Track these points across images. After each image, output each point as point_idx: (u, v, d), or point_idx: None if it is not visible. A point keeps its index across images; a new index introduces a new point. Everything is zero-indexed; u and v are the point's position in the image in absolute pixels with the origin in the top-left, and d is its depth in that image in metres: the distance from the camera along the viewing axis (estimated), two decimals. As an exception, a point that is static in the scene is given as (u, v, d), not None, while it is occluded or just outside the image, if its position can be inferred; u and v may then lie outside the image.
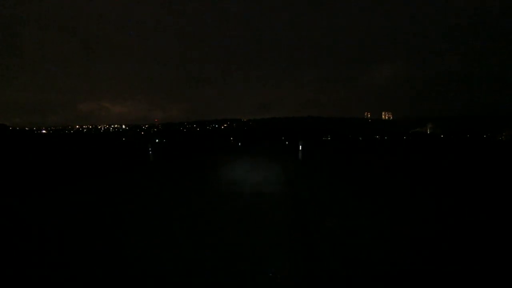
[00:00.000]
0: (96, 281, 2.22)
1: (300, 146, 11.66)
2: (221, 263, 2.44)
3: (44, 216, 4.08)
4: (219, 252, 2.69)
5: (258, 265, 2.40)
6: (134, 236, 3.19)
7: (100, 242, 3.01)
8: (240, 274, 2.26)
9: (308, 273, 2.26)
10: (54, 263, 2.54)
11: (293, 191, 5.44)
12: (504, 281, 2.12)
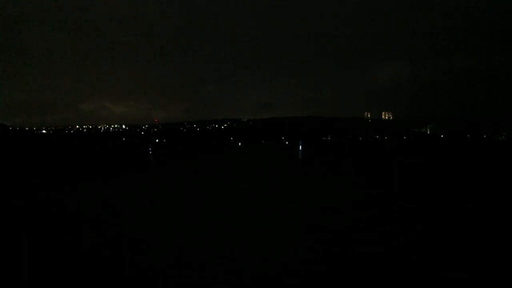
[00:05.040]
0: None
1: (300, 146, 11.66)
2: (220, 263, 2.43)
3: (45, 217, 4.08)
4: (218, 251, 2.69)
5: (259, 264, 2.40)
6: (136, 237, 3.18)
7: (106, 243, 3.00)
8: (239, 273, 2.26)
9: (309, 273, 2.26)
10: (58, 266, 2.54)
11: (293, 191, 5.45)
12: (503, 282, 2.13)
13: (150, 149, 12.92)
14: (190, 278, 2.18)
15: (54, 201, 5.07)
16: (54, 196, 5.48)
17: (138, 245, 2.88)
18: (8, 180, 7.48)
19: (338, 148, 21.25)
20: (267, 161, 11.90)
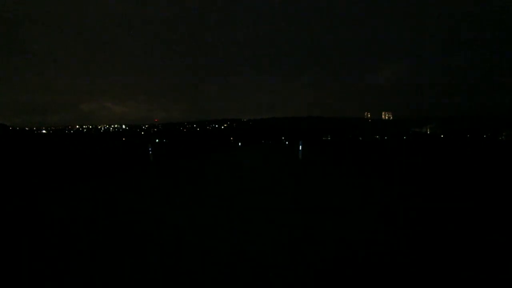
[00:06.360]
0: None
1: (300, 146, 11.67)
2: (219, 263, 2.43)
3: (45, 217, 4.08)
4: (219, 250, 2.68)
5: (259, 264, 2.39)
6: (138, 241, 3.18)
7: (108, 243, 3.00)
8: (238, 274, 2.25)
9: (309, 273, 2.25)
10: (64, 265, 2.53)
11: (293, 191, 5.45)
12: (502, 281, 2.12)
13: (150, 149, 12.89)
14: (190, 278, 2.18)
15: (54, 201, 5.07)
16: (54, 196, 5.47)
17: (137, 245, 2.88)
18: (8, 180, 7.48)
19: (338, 148, 21.28)
20: (267, 160, 11.91)
